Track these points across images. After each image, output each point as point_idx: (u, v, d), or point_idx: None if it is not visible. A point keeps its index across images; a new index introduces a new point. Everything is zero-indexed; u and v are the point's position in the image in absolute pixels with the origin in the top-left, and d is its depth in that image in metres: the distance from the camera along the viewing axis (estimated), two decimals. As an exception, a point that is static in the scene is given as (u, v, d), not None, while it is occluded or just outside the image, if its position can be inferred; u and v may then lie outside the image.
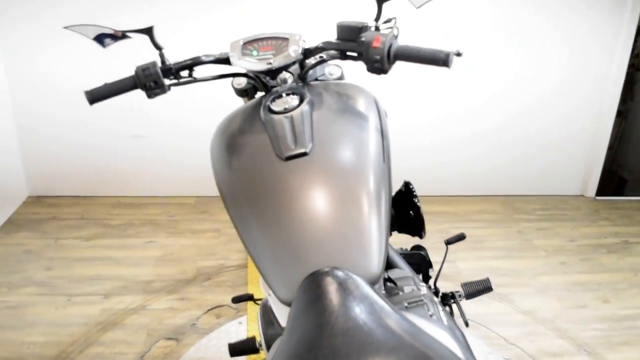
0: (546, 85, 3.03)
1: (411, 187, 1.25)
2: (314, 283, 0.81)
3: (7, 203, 2.79)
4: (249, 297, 1.61)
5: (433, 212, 2.92)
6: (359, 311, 0.74)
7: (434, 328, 0.85)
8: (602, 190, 3.62)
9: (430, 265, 1.44)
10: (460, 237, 1.48)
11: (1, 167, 2.73)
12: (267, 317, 1.28)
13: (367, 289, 0.80)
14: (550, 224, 2.92)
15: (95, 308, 2.08)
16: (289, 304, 0.84)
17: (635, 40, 4.13)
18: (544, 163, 3.20)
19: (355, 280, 0.81)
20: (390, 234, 1.24)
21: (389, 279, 1.15)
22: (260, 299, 1.38)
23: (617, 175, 4.49)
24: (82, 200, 2.96)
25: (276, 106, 1.05)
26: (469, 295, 1.34)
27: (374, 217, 0.92)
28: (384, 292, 1.07)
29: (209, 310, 2.10)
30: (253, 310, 2.06)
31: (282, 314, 0.95)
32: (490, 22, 2.87)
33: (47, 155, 2.90)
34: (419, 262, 1.42)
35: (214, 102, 2.27)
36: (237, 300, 1.61)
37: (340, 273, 0.82)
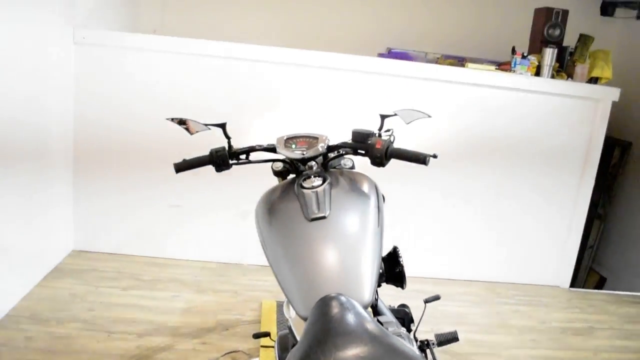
0: (522, 192, 3.53)
1: (398, 250, 1.67)
2: (325, 303, 1.17)
3: (55, 254, 3.22)
4: (267, 334, 2.00)
5: (425, 291, 3.26)
6: (353, 322, 1.12)
7: (407, 345, 1.26)
8: (579, 284, 3.99)
9: (412, 320, 1.82)
10: (436, 298, 1.87)
11: (56, 224, 3.20)
12: (283, 344, 1.69)
13: (360, 309, 1.21)
14: (526, 308, 3.29)
15: (131, 344, 2.45)
16: (305, 319, 1.26)
17: (613, 150, 4.65)
18: (524, 257, 3.65)
19: (353, 303, 1.21)
20: (380, 285, 1.66)
21: (378, 322, 1.56)
22: (273, 344, 1.78)
23: (598, 274, 4.85)
24: (119, 257, 3.38)
25: (306, 184, 1.51)
26: (440, 343, 1.72)
27: (368, 263, 1.35)
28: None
29: (226, 353, 2.46)
30: (265, 356, 2.42)
31: (299, 328, 1.36)
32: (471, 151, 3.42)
33: (93, 216, 3.37)
34: (403, 316, 1.78)
35: (238, 191, 2.82)
36: (257, 336, 2.00)
37: (343, 298, 1.18)
